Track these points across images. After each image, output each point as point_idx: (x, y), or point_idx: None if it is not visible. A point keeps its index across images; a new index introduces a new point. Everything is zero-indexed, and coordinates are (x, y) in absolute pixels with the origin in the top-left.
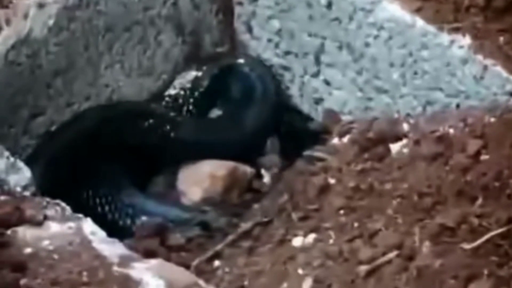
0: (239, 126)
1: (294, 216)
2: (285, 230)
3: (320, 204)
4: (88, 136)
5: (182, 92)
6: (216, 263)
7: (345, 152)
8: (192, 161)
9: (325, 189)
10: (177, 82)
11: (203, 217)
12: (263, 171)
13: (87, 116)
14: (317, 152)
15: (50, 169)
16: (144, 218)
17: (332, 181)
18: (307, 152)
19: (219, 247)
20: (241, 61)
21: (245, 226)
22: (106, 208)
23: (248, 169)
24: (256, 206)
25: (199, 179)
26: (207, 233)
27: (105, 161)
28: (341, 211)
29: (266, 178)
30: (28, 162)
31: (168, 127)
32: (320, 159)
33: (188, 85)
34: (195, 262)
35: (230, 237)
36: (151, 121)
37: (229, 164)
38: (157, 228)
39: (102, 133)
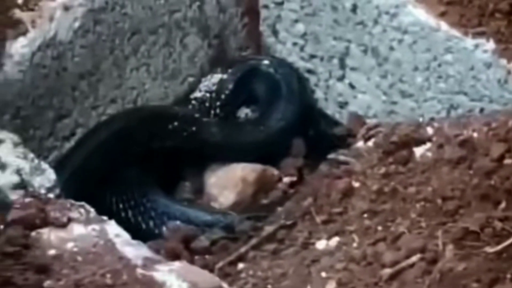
0: (265, 128)
1: (318, 219)
2: (309, 233)
3: (344, 208)
4: (115, 142)
5: (208, 95)
6: (240, 265)
7: (369, 155)
8: (218, 164)
9: (349, 192)
10: (203, 85)
11: (228, 221)
12: (284, 175)
13: (113, 122)
14: (341, 155)
15: (78, 176)
16: (173, 222)
17: (356, 184)
18: (331, 156)
19: (243, 250)
20: (266, 63)
21: (268, 229)
22: (133, 212)
23: (275, 172)
24: (280, 209)
25: (230, 184)
26: (231, 236)
27: (132, 165)
28: (365, 215)
29: (287, 181)
30: (56, 169)
31: (194, 129)
32: (344, 163)
33: (214, 88)
34: (219, 265)
35: (254, 240)
36: (177, 124)
37: (258, 168)
38: (187, 234)
39: (129, 138)
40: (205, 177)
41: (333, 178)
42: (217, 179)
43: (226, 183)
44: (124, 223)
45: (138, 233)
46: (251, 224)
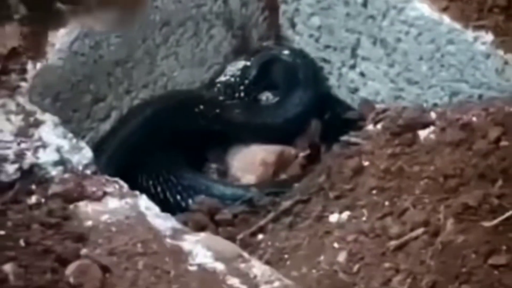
0: (284, 111)
1: (331, 195)
2: (322, 208)
3: (354, 184)
4: (147, 126)
5: (232, 79)
6: (260, 237)
7: (377, 137)
8: (240, 146)
9: (359, 170)
10: (228, 70)
11: (249, 195)
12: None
13: (144, 107)
14: (352, 137)
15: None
16: (199, 196)
17: (365, 163)
18: (343, 137)
19: (262, 222)
20: (286, 52)
21: (285, 204)
22: (162, 187)
23: (292, 151)
24: (296, 185)
25: (252, 166)
26: (252, 210)
27: (163, 147)
28: (374, 191)
29: (303, 155)
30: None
31: (219, 111)
32: (355, 144)
33: (238, 73)
34: (240, 236)
35: (272, 214)
36: (203, 107)
37: (277, 149)
38: (211, 207)
39: (159, 122)
40: (228, 159)
41: (344, 158)
42: (240, 162)
43: (248, 165)
44: (154, 198)
45: (167, 207)
46: (270, 199)
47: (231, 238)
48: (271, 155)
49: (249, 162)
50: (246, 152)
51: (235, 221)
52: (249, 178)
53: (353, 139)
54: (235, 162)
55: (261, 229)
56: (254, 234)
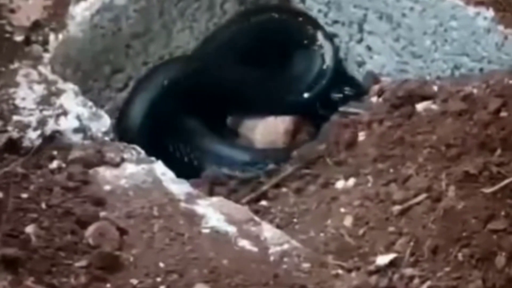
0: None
1: (331, 162)
2: (328, 174)
3: (356, 152)
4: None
5: None
6: (264, 202)
7: (377, 108)
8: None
9: (355, 140)
10: None
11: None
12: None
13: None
14: (351, 107)
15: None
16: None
17: (364, 133)
18: (342, 108)
19: (264, 188)
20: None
21: (287, 170)
22: (183, 151)
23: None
24: (294, 153)
25: (276, 136)
26: (255, 176)
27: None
28: (377, 159)
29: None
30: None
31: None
32: (354, 114)
33: None
34: (245, 200)
35: (274, 180)
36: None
37: (293, 119)
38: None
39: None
40: (248, 130)
41: (342, 127)
42: (263, 133)
43: (272, 135)
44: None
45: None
46: (272, 165)
47: (240, 203)
48: (291, 124)
49: (272, 132)
50: (266, 123)
51: (241, 186)
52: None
53: (351, 109)
54: (258, 133)
55: (267, 195)
56: (260, 199)
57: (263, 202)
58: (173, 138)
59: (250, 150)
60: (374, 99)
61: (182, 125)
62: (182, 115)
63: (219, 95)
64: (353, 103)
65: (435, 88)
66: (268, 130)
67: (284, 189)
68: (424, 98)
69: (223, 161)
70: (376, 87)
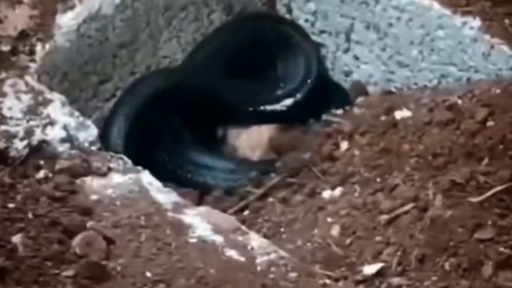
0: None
1: (317, 171)
2: (314, 184)
3: (342, 162)
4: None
5: None
6: (254, 212)
7: (361, 118)
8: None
9: (339, 150)
10: None
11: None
12: None
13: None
14: (334, 116)
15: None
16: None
17: (347, 142)
18: (325, 116)
19: (251, 198)
20: None
21: (273, 180)
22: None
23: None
24: (279, 163)
25: (260, 145)
26: (243, 185)
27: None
28: (364, 169)
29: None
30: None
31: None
32: (336, 123)
33: None
34: (232, 209)
35: (261, 190)
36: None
37: (279, 128)
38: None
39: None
40: (232, 139)
41: (325, 136)
42: (247, 141)
43: (256, 144)
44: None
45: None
46: (257, 176)
47: (227, 212)
48: (275, 133)
49: (256, 140)
50: (250, 132)
51: (227, 197)
52: (256, 156)
53: (333, 118)
54: (242, 142)
55: (251, 205)
56: (245, 209)
57: (250, 212)
58: (158, 150)
59: (232, 160)
60: (356, 108)
61: (167, 136)
62: (167, 126)
63: (205, 106)
64: (335, 112)
65: (421, 97)
66: (252, 139)
67: (270, 199)
68: (408, 108)
69: (206, 171)
70: (361, 98)
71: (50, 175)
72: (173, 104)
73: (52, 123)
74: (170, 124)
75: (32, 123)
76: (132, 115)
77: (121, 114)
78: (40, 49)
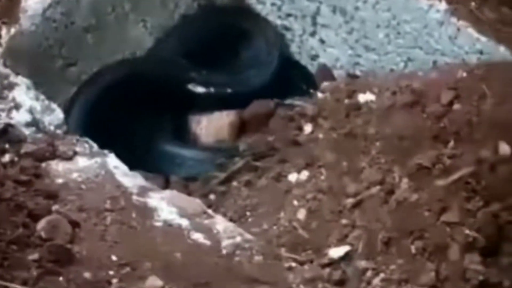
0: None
1: (282, 155)
2: (280, 168)
3: (307, 146)
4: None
5: None
6: (220, 196)
7: (324, 102)
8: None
9: (301, 133)
10: None
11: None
12: None
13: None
14: (297, 100)
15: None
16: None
17: (311, 126)
18: (288, 100)
19: (215, 181)
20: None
21: (237, 164)
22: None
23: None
24: (242, 146)
25: (221, 131)
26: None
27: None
28: (330, 152)
29: None
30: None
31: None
32: (299, 107)
33: None
34: (198, 193)
35: (225, 174)
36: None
37: (238, 113)
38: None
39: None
40: (194, 125)
41: (287, 120)
42: (208, 127)
43: (217, 130)
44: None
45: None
46: (223, 160)
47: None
48: (236, 118)
49: (217, 126)
50: (211, 117)
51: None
52: (218, 142)
53: (297, 102)
54: (203, 128)
55: (216, 188)
56: (210, 193)
57: (216, 196)
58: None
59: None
60: (321, 92)
61: (129, 126)
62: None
63: (168, 94)
64: (299, 97)
65: (386, 81)
66: (212, 125)
67: (236, 183)
68: (372, 91)
69: (172, 161)
70: (326, 82)
71: (16, 158)
72: (135, 93)
73: (17, 107)
74: (132, 113)
75: None
76: (91, 103)
77: (79, 102)
78: (5, 33)
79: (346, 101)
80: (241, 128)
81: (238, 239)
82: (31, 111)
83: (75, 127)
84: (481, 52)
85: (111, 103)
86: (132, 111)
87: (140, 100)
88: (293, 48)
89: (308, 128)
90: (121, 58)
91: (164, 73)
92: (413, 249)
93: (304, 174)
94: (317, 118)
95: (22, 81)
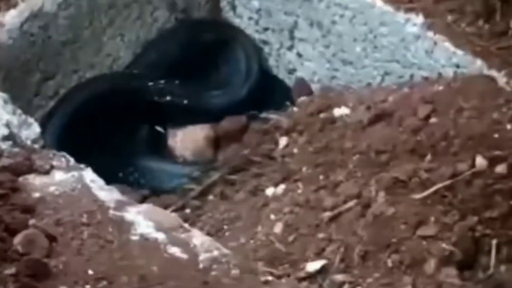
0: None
1: (257, 169)
2: (257, 181)
3: (283, 159)
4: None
5: None
6: (197, 210)
7: (299, 115)
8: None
9: (277, 147)
10: None
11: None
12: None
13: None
14: (272, 114)
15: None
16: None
17: (286, 139)
18: (263, 114)
19: (192, 194)
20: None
21: (213, 177)
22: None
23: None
24: (219, 159)
25: (196, 144)
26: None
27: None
28: (306, 166)
29: None
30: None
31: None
32: (274, 120)
33: None
34: (174, 207)
35: (201, 188)
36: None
37: (213, 126)
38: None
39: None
40: (170, 139)
41: (262, 133)
42: (183, 141)
43: (192, 143)
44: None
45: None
46: (200, 174)
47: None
48: (211, 131)
49: (192, 139)
50: (186, 131)
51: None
52: (193, 155)
53: (272, 116)
54: (178, 142)
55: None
56: (185, 207)
57: (192, 210)
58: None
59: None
60: (297, 105)
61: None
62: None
63: (146, 108)
64: (274, 111)
65: (362, 95)
66: (187, 138)
67: (212, 197)
68: (347, 105)
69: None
70: (302, 97)
71: None
72: (112, 107)
73: None
74: (111, 127)
75: None
76: (68, 118)
77: (57, 117)
78: None
79: (321, 115)
80: (216, 142)
81: (215, 253)
82: (8, 125)
83: (52, 142)
84: (457, 66)
85: (88, 117)
86: (109, 126)
87: (117, 115)
88: (271, 61)
89: (283, 141)
90: (98, 72)
91: (139, 87)
92: (389, 262)
93: (281, 188)
94: (292, 132)
95: None
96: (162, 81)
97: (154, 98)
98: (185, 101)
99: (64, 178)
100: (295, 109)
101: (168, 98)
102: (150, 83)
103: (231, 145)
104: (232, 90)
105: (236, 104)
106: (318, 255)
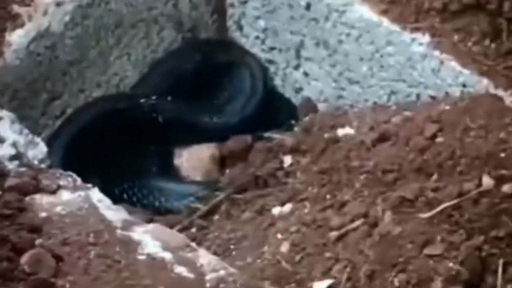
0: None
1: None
2: (263, 201)
3: (289, 178)
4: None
5: None
6: (203, 229)
7: (303, 135)
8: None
9: (281, 166)
10: None
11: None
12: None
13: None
14: (276, 133)
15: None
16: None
17: (290, 158)
18: (267, 134)
19: (198, 214)
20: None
21: (218, 197)
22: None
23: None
24: (223, 179)
25: (202, 164)
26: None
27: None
28: (313, 185)
29: None
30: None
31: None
32: (278, 140)
33: None
34: (180, 226)
35: (207, 207)
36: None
37: (218, 146)
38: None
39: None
40: (176, 159)
41: (266, 152)
42: (189, 161)
43: (198, 163)
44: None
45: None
46: (206, 193)
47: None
48: (216, 151)
49: (197, 159)
50: (191, 150)
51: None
52: (199, 175)
53: (275, 135)
54: (184, 161)
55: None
56: (191, 226)
57: (199, 229)
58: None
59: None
60: (302, 125)
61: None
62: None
63: (152, 128)
64: (278, 130)
65: (367, 114)
66: (193, 158)
67: (218, 216)
68: (352, 125)
69: (157, 195)
70: (309, 116)
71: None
72: (120, 127)
73: (1, 140)
74: (118, 147)
75: None
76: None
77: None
78: None
79: (326, 134)
80: (221, 161)
81: (222, 272)
82: (14, 145)
83: (58, 161)
84: (464, 85)
85: (94, 137)
86: (115, 145)
87: (124, 134)
88: (277, 81)
89: (288, 160)
90: (105, 92)
91: (145, 107)
92: (396, 282)
93: (287, 207)
94: (297, 151)
95: (6, 115)
96: (169, 101)
97: (159, 117)
98: (190, 121)
99: (71, 197)
100: (299, 128)
101: (174, 117)
102: (155, 102)
103: (236, 165)
104: (237, 110)
105: (241, 123)
106: (325, 274)
